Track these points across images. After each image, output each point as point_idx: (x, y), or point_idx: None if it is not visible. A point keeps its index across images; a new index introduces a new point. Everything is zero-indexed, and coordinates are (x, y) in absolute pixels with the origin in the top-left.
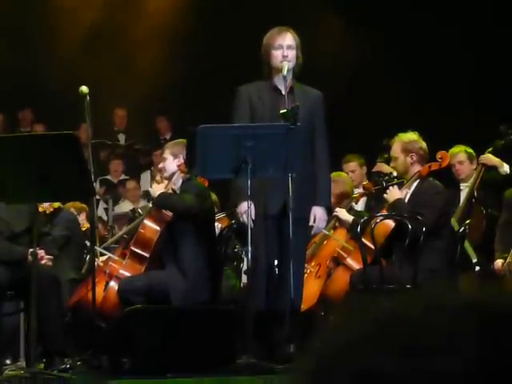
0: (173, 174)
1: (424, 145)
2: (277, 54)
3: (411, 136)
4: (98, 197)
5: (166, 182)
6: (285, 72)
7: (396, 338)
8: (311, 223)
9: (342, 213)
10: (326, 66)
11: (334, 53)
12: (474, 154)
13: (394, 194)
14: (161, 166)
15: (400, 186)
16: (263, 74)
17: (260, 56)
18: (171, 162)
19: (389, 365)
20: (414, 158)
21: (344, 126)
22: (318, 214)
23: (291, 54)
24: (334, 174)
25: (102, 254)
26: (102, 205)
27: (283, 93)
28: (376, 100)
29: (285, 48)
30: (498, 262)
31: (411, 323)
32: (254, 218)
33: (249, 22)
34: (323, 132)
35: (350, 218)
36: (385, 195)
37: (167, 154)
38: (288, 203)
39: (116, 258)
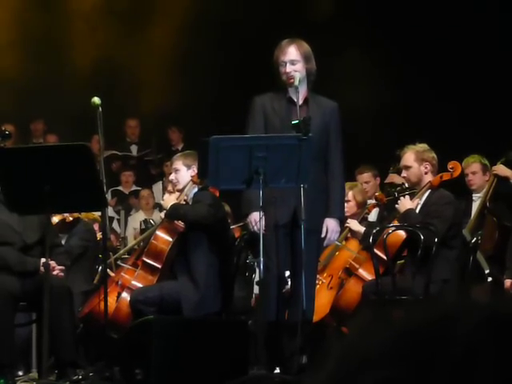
0: (186, 185)
1: (435, 155)
2: (281, 71)
3: (423, 146)
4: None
5: (177, 193)
6: (296, 83)
7: (414, 350)
8: (323, 235)
9: (353, 224)
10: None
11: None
12: (488, 164)
13: (405, 204)
14: (172, 177)
15: (412, 196)
16: (278, 84)
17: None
18: (185, 172)
19: (408, 376)
20: (428, 168)
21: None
22: (330, 225)
23: (294, 68)
24: (352, 184)
25: (117, 266)
26: (113, 216)
27: (297, 104)
28: (387, 109)
29: (287, 64)
30: (507, 282)
31: (429, 335)
32: (264, 228)
33: (257, 33)
34: (338, 143)
35: (361, 228)
36: (396, 205)
37: (180, 165)
38: (300, 214)
39: (129, 266)
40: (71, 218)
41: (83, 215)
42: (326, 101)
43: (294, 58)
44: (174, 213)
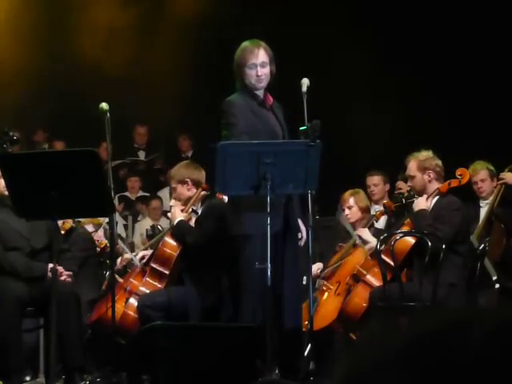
0: (190, 198)
1: (439, 162)
2: (250, 74)
3: (426, 154)
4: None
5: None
6: (304, 89)
7: (426, 358)
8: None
9: (364, 233)
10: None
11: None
12: (495, 171)
13: (420, 203)
14: (175, 195)
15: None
16: (237, 86)
17: (232, 70)
18: (181, 189)
19: (419, 383)
20: (432, 176)
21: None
22: (301, 225)
23: (265, 71)
24: (353, 191)
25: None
26: (120, 221)
27: (267, 107)
28: (393, 116)
29: (258, 67)
30: None
31: (440, 343)
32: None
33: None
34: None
35: (372, 240)
36: (413, 204)
37: (175, 184)
38: (291, 219)
39: (138, 262)
40: (66, 228)
41: (86, 220)
42: (275, 101)
43: (264, 61)
44: (180, 237)
